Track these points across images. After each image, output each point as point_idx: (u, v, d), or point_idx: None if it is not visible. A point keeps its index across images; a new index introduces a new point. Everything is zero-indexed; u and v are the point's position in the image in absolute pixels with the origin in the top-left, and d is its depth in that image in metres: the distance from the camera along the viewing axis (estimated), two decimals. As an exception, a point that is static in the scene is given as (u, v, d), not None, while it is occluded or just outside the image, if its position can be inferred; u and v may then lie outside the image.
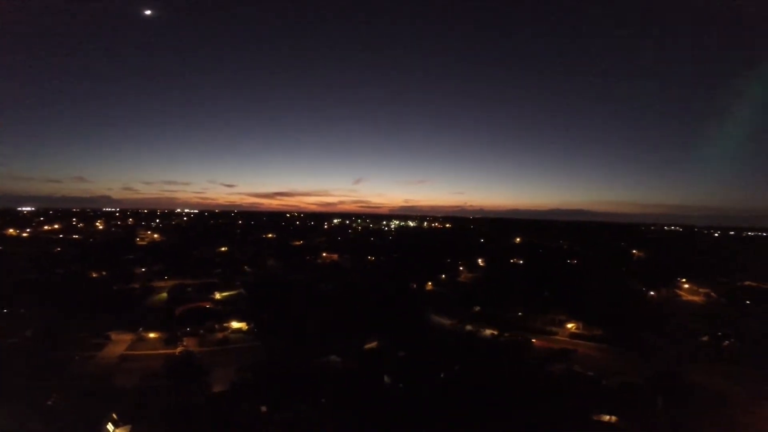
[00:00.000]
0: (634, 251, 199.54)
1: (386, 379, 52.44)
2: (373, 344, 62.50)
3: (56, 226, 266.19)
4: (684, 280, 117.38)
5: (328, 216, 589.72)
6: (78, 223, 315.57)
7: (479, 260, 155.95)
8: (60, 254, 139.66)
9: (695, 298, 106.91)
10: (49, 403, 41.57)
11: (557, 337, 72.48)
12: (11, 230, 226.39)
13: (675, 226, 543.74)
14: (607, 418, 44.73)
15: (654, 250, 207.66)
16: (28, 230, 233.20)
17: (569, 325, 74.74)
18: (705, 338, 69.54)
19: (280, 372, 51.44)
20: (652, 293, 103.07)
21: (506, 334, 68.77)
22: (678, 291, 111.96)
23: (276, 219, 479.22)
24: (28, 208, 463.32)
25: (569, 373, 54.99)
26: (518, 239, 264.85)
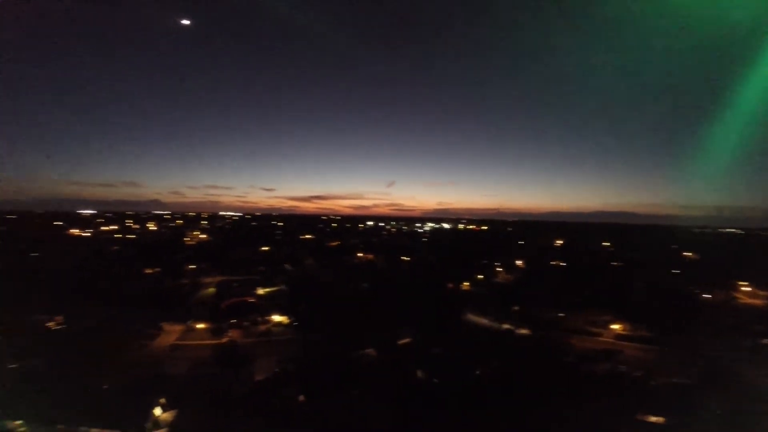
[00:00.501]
0: (687, 253, 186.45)
1: (420, 373, 52.77)
2: (407, 340, 63.02)
3: (113, 227, 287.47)
4: (743, 283, 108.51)
5: (362, 219, 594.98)
6: (132, 224, 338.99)
7: (518, 262, 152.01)
8: (117, 252, 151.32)
9: (756, 302, 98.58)
10: (105, 387, 45.19)
11: (601, 339, 69.44)
12: (74, 230, 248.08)
13: (730, 228, 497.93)
14: (653, 419, 42.60)
15: (707, 252, 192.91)
16: (89, 231, 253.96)
17: (614, 326, 71.41)
18: (766, 341, 64.28)
19: (317, 363, 53.32)
20: (706, 296, 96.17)
21: (546, 333, 67.02)
22: (736, 294, 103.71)
23: (313, 222, 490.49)
24: (87, 211, 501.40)
25: (613, 372, 52.85)
26: (559, 241, 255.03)
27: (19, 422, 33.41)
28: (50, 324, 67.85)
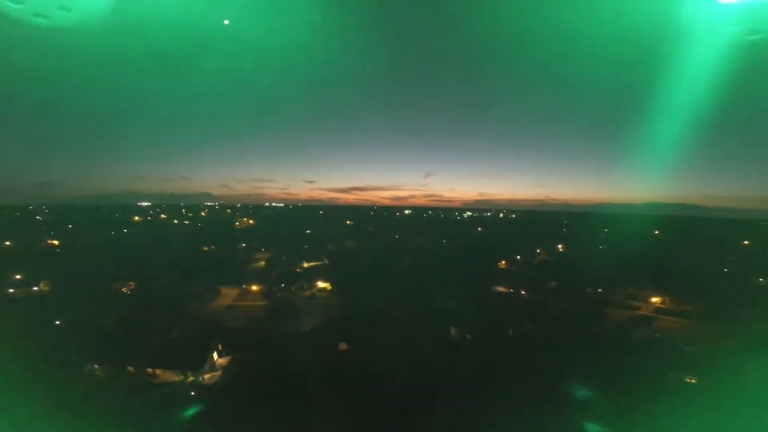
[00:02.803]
0: (745, 242, 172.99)
1: (453, 331, 55.77)
2: (443, 304, 66.16)
3: (169, 216, 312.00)
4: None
5: (400, 209, 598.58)
6: (186, 213, 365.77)
7: (560, 246, 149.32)
8: (176, 234, 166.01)
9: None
10: (172, 335, 52.13)
11: (640, 312, 68.64)
12: (136, 218, 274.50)
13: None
14: (687, 379, 42.94)
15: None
16: (149, 218, 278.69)
17: (654, 299, 70.12)
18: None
19: (357, 319, 57.97)
20: (761, 280, 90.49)
21: (583, 304, 67.50)
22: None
23: (352, 212, 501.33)
24: (146, 203, 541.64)
25: (649, 338, 53.00)
26: (606, 230, 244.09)
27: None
28: (124, 288, 77.72)
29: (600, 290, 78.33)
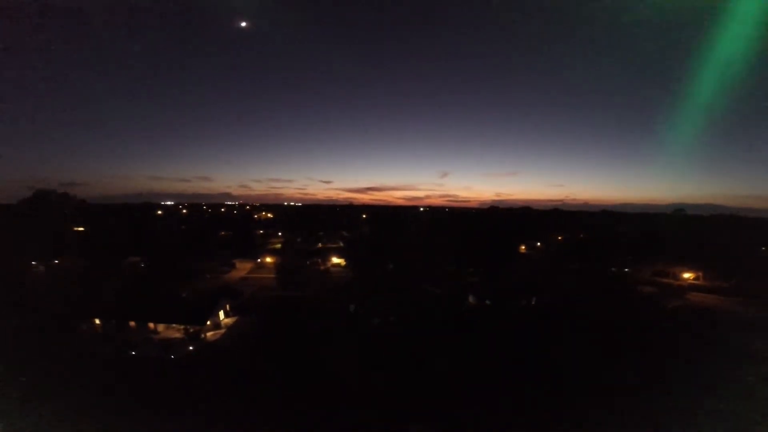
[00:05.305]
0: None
1: (471, 299, 53.89)
2: (461, 277, 64.33)
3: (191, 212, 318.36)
4: None
5: (415, 208, 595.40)
6: (207, 210, 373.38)
7: (581, 234, 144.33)
8: (196, 222, 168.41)
9: None
10: (183, 295, 52.12)
11: (671, 286, 65.03)
12: (159, 212, 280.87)
13: None
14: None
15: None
16: (170, 213, 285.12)
17: (686, 275, 66.31)
18: None
19: (366, 284, 56.60)
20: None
21: (607, 280, 64.26)
22: None
23: (368, 211, 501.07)
24: (167, 203, 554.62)
25: (680, 307, 49.92)
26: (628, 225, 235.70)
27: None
28: (141, 264, 78.21)
29: (626, 270, 74.79)
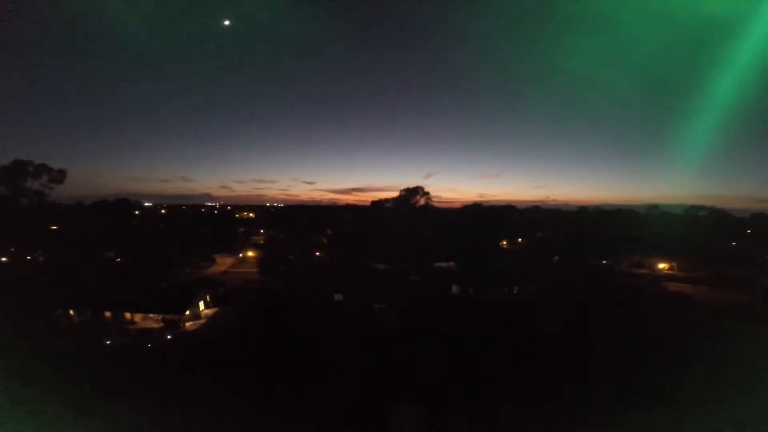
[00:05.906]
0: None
1: (454, 288, 54.25)
2: (444, 266, 64.72)
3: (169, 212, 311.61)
4: None
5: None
6: (187, 211, 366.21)
7: (561, 231, 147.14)
8: (175, 221, 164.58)
9: None
10: (163, 285, 51.05)
11: (647, 277, 66.92)
12: (137, 212, 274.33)
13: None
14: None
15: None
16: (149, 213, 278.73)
17: (661, 265, 68.35)
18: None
19: (355, 277, 56.24)
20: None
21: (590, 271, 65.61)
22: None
23: (352, 210, 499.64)
24: (147, 203, 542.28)
25: (658, 293, 51.37)
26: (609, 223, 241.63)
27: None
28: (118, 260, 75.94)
29: (603, 262, 76.49)
